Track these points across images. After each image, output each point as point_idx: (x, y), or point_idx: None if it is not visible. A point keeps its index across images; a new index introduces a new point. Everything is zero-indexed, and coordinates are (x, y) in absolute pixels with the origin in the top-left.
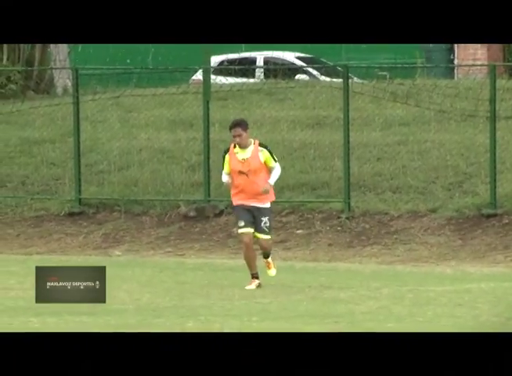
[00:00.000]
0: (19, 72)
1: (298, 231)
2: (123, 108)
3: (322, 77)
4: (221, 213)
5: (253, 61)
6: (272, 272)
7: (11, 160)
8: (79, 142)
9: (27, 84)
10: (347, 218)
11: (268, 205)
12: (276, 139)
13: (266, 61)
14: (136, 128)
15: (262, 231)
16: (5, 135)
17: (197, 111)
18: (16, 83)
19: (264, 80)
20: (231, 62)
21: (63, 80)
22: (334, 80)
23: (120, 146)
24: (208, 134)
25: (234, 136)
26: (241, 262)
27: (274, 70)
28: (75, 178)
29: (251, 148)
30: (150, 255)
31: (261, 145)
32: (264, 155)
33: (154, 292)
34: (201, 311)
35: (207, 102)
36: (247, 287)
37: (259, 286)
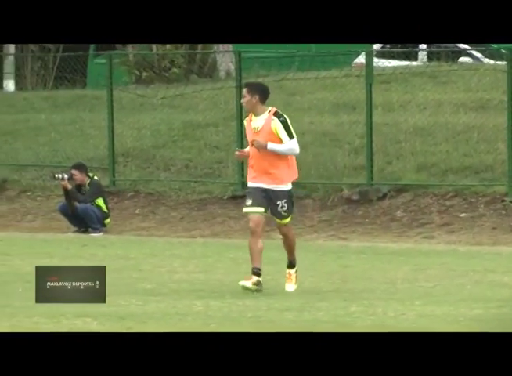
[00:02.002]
0: (182, 56)
1: (462, 215)
2: (285, 91)
3: (486, 60)
4: (384, 196)
5: (415, 44)
6: (289, 287)
7: (174, 143)
8: (242, 126)
9: (190, 68)
10: (511, 201)
11: (284, 187)
12: (440, 122)
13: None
14: (299, 112)
15: (278, 215)
16: (169, 118)
17: (360, 94)
18: (180, 67)
19: (427, 63)
20: (393, 45)
21: (225, 63)
22: (498, 62)
23: None
24: (371, 117)
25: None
26: (404, 245)
27: (437, 52)
28: (238, 161)
29: (265, 116)
30: (313, 239)
31: (276, 114)
32: (274, 125)
33: (317, 276)
34: (364, 295)
35: (370, 85)
36: (241, 283)
37: (258, 285)
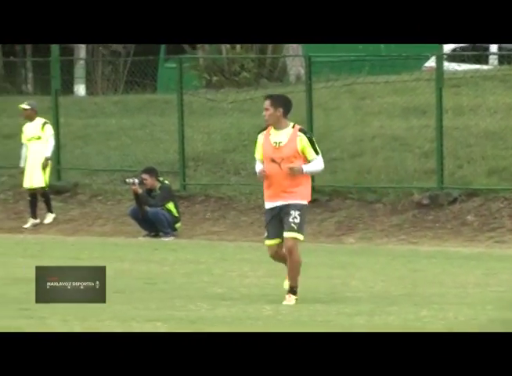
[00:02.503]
0: (252, 60)
1: None
2: (356, 95)
3: None
4: (454, 201)
5: (486, 48)
6: (288, 301)
7: (244, 148)
8: (312, 130)
9: (261, 72)
10: None
11: (301, 201)
12: (511, 126)
13: (500, 47)
14: (369, 116)
15: (287, 225)
16: (239, 122)
17: (430, 98)
18: (250, 71)
19: (498, 66)
20: (464, 48)
21: (295, 67)
22: None
23: (353, 134)
24: (441, 121)
25: (264, 109)
26: (476, 250)
27: (508, 56)
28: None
29: (288, 131)
30: (384, 243)
31: (301, 130)
32: (301, 142)
33: (387, 280)
34: (435, 299)
35: (440, 89)
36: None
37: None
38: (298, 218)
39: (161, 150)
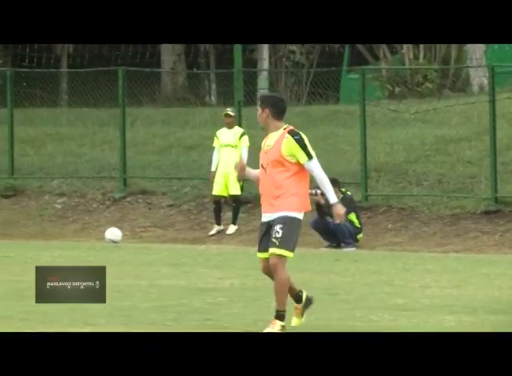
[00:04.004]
0: (435, 71)
1: None
2: None
3: None
4: None
5: None
6: (271, 328)
7: (427, 158)
8: (495, 141)
9: (443, 83)
10: None
11: (287, 213)
12: None
13: None
14: None
15: (270, 243)
16: (421, 133)
17: None
18: (433, 81)
19: None
20: None
21: (479, 78)
22: None
23: None
24: None
25: None
26: None
27: None
28: (491, 176)
29: (278, 133)
30: None
31: (291, 132)
32: (287, 144)
33: None
34: None
35: None
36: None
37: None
38: (280, 232)
39: (344, 160)
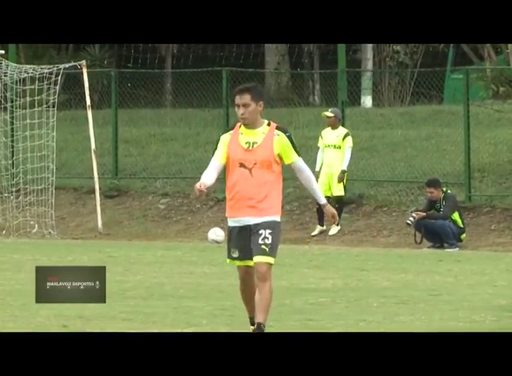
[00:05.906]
0: None
1: None
2: None
3: None
4: None
5: None
6: None
7: None
8: None
9: None
10: None
11: (273, 217)
12: None
13: None
14: None
15: (258, 250)
16: None
17: None
18: None
19: None
20: None
21: None
22: None
23: None
24: None
25: (238, 105)
26: None
27: None
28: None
29: (263, 129)
30: None
31: (279, 128)
32: (280, 142)
33: None
34: None
35: None
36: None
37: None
38: (270, 238)
39: (447, 161)
